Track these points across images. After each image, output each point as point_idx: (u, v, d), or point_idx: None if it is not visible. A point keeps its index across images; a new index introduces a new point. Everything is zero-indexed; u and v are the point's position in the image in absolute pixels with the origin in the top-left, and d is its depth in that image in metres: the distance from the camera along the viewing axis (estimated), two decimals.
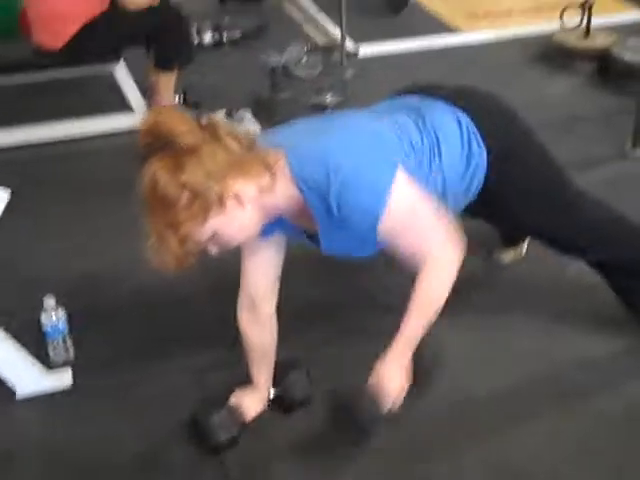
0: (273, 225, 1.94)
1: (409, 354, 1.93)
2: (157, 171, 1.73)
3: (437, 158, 2.02)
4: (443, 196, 2.06)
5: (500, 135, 2.12)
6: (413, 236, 1.87)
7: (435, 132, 2.03)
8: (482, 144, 2.07)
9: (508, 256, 2.80)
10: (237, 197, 1.78)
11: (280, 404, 2.25)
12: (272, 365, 2.25)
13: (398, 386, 1.90)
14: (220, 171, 1.75)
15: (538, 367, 2.38)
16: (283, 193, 1.84)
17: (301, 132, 1.96)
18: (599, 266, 2.41)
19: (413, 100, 2.15)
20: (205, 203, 1.75)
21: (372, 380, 1.90)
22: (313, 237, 1.99)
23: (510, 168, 2.14)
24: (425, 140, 2.01)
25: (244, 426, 2.17)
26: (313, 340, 2.47)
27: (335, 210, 1.82)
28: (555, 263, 2.61)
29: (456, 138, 2.06)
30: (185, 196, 1.73)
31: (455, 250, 1.89)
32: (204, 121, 1.80)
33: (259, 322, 2.17)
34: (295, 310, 2.44)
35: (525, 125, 2.25)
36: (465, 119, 2.08)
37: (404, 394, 1.91)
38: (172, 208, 1.74)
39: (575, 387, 2.31)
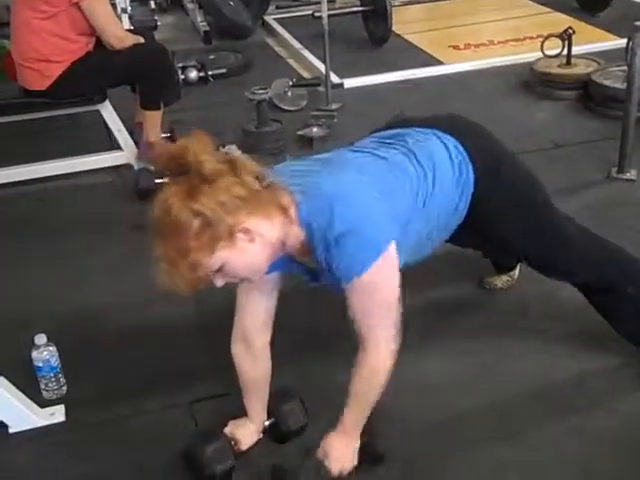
0: (278, 262, 1.95)
1: (357, 434, 2.05)
2: (172, 196, 1.73)
3: (431, 188, 2.06)
4: (437, 219, 2.11)
5: (484, 154, 2.16)
6: (369, 307, 1.91)
7: (427, 164, 2.06)
8: (470, 165, 2.11)
9: (500, 281, 2.81)
10: (247, 232, 1.79)
11: (275, 434, 2.24)
12: (266, 396, 2.24)
13: (343, 466, 2.03)
14: (234, 204, 1.75)
15: (532, 387, 2.38)
16: (291, 233, 1.87)
17: (311, 174, 1.96)
18: (584, 287, 2.43)
19: (399, 134, 2.17)
20: (215, 234, 1.75)
21: (318, 455, 2.03)
22: (314, 274, 2.02)
23: (495, 185, 2.17)
24: (420, 174, 2.05)
25: (239, 457, 2.15)
26: (308, 370, 2.46)
27: (325, 250, 1.85)
28: (546, 286, 2.61)
29: (447, 166, 2.09)
30: (196, 224, 1.73)
31: (395, 346, 1.94)
32: (226, 155, 1.82)
33: (253, 355, 2.16)
34: (291, 340, 2.44)
35: (503, 145, 2.29)
36: (452, 144, 2.12)
37: (347, 474, 2.03)
38: (182, 234, 1.73)
39: (569, 406, 2.31)
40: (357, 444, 2.06)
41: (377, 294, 1.90)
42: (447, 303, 2.78)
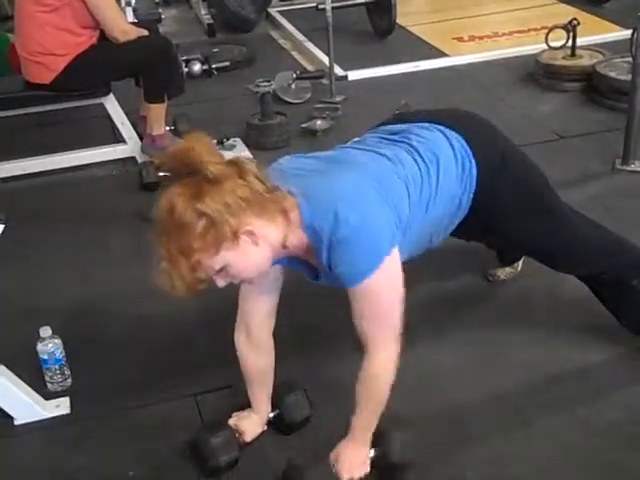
0: (281, 259, 1.95)
1: (367, 441, 2.03)
2: (176, 196, 1.72)
3: (435, 184, 2.05)
4: (440, 215, 2.10)
5: (488, 149, 2.15)
6: (371, 313, 1.90)
7: (431, 161, 2.05)
8: (473, 161, 2.10)
9: (503, 273, 2.81)
10: (251, 234, 1.79)
11: (279, 426, 2.24)
12: (270, 388, 2.25)
13: (353, 474, 2.01)
14: (239, 206, 1.75)
15: (534, 378, 2.38)
16: (294, 236, 1.86)
17: (314, 174, 1.94)
18: (589, 280, 2.44)
19: (404, 130, 2.15)
20: (219, 235, 1.74)
21: (331, 460, 2.03)
22: (316, 273, 2.02)
23: (499, 181, 2.16)
24: (424, 171, 2.03)
25: (243, 448, 2.16)
26: (312, 362, 2.47)
27: (329, 254, 1.85)
28: (550, 278, 2.61)
29: (451, 162, 2.08)
30: (201, 224, 1.73)
31: (397, 348, 1.94)
32: (233, 158, 1.82)
33: (256, 347, 2.16)
34: (294, 332, 2.44)
35: (508, 139, 2.28)
36: (456, 139, 2.11)
37: None
38: (186, 235, 1.73)
39: (572, 397, 2.31)
40: (369, 451, 2.04)
41: (380, 299, 1.89)
42: (450, 295, 2.78)
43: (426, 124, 2.16)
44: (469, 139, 2.11)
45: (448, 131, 2.12)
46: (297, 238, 1.87)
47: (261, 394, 2.24)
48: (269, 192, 1.82)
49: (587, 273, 2.42)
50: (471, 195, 2.13)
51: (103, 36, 3.66)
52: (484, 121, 2.29)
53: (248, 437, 2.20)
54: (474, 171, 2.10)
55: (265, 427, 2.25)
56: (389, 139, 2.14)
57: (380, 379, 1.96)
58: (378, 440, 2.06)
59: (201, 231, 1.73)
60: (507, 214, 2.22)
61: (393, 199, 1.94)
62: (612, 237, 2.40)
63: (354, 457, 2.02)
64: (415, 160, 2.04)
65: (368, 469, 2.04)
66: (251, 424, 2.22)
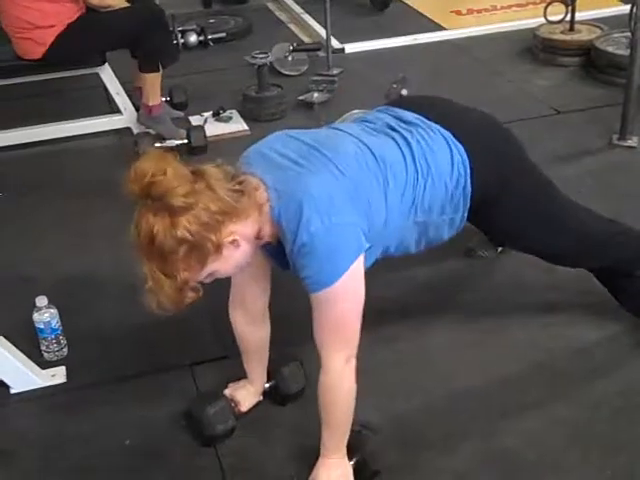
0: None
1: (341, 453, 1.96)
2: (154, 226, 1.71)
3: (421, 196, 2.03)
4: (424, 227, 2.09)
5: (489, 174, 2.12)
6: (328, 321, 1.87)
7: (423, 170, 2.02)
8: (469, 185, 2.08)
9: (492, 253, 2.79)
10: (233, 241, 1.79)
11: (275, 396, 2.25)
12: (266, 360, 2.25)
13: None
14: (215, 222, 1.75)
15: (531, 356, 2.38)
16: (267, 226, 1.87)
17: (293, 168, 1.89)
18: (596, 271, 2.44)
19: (410, 122, 2.11)
20: (202, 254, 1.76)
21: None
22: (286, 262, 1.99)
23: (496, 206, 2.17)
24: (411, 179, 2.00)
25: (239, 418, 2.17)
26: (308, 335, 2.47)
27: (292, 255, 1.84)
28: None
29: (446, 174, 2.05)
30: (183, 249, 1.73)
31: (351, 362, 1.89)
32: (196, 170, 1.78)
33: (252, 320, 2.16)
34: (289, 305, 2.44)
35: (519, 147, 2.26)
36: (458, 155, 2.07)
37: None
38: (169, 259, 1.74)
39: (570, 374, 2.32)
40: (347, 462, 1.98)
41: (337, 308, 1.86)
42: (442, 276, 2.76)
43: (436, 126, 2.09)
44: (473, 159, 2.08)
45: (454, 144, 2.07)
46: (269, 228, 1.87)
47: (257, 366, 2.24)
48: (241, 194, 1.80)
49: (596, 267, 2.42)
50: (465, 214, 2.13)
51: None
52: (500, 133, 2.25)
53: (244, 407, 2.21)
54: (468, 190, 2.09)
55: (261, 398, 2.26)
56: (391, 128, 2.09)
57: (337, 391, 1.91)
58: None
59: (184, 256, 1.74)
60: (508, 231, 2.27)
61: (367, 206, 1.91)
62: (620, 229, 2.38)
63: (333, 473, 1.95)
64: (406, 164, 2.01)
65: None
66: (247, 394, 2.23)
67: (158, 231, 1.71)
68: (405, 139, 2.05)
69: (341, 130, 2.10)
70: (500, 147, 2.21)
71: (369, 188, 1.93)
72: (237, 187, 1.81)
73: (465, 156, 2.07)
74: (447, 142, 2.08)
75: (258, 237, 1.88)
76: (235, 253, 1.82)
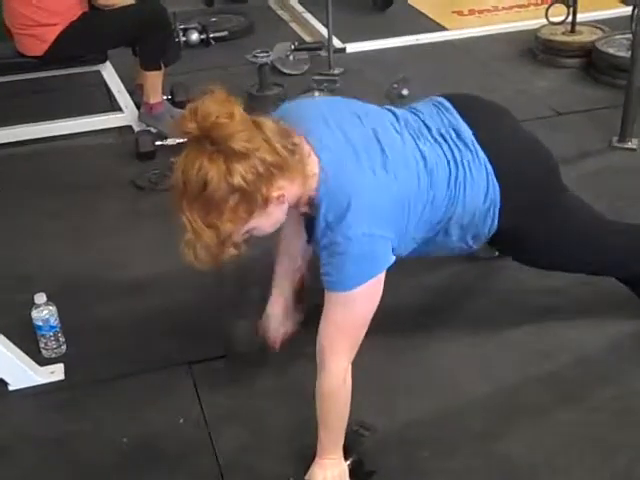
0: None
1: (337, 454, 1.97)
2: (209, 172, 1.68)
3: (447, 219, 2.05)
4: (435, 245, 2.13)
5: (523, 212, 2.15)
6: (337, 320, 1.88)
7: (460, 195, 2.03)
8: (496, 223, 2.11)
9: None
10: (279, 197, 1.78)
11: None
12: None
13: None
14: (269, 173, 1.73)
15: (531, 359, 2.38)
16: (304, 198, 1.87)
17: (348, 153, 1.88)
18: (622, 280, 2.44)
19: (457, 135, 2.08)
20: (251, 205, 1.74)
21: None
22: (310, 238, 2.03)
23: (529, 237, 2.21)
24: (447, 197, 2.02)
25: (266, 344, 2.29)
26: None
27: (319, 242, 1.86)
28: None
29: (476, 208, 2.07)
30: (233, 199, 1.71)
31: (348, 365, 1.91)
32: (256, 120, 1.77)
33: (294, 267, 2.27)
34: None
35: (555, 176, 2.26)
36: (493, 194, 2.07)
37: None
38: (218, 210, 1.71)
39: (570, 378, 2.31)
40: (343, 463, 1.99)
41: (354, 311, 1.87)
42: (443, 278, 2.76)
43: (482, 156, 2.06)
44: (504, 201, 2.08)
45: (492, 183, 2.06)
46: (305, 201, 1.88)
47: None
48: (294, 154, 1.79)
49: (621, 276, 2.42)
50: (484, 243, 2.19)
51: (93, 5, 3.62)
52: (539, 166, 2.22)
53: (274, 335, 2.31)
54: (494, 228, 2.13)
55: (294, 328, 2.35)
56: (443, 137, 2.06)
57: (337, 394, 1.92)
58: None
59: (234, 205, 1.72)
60: (536, 260, 2.33)
61: (405, 218, 1.93)
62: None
63: (329, 473, 1.96)
64: (449, 186, 2.01)
65: None
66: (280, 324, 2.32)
67: (212, 177, 1.67)
68: (454, 159, 2.04)
69: (399, 122, 2.06)
70: (536, 183, 2.19)
71: (413, 199, 1.95)
72: (290, 147, 1.80)
73: (498, 198, 2.08)
74: (487, 178, 2.07)
75: (296, 204, 1.88)
76: (278, 210, 1.81)
